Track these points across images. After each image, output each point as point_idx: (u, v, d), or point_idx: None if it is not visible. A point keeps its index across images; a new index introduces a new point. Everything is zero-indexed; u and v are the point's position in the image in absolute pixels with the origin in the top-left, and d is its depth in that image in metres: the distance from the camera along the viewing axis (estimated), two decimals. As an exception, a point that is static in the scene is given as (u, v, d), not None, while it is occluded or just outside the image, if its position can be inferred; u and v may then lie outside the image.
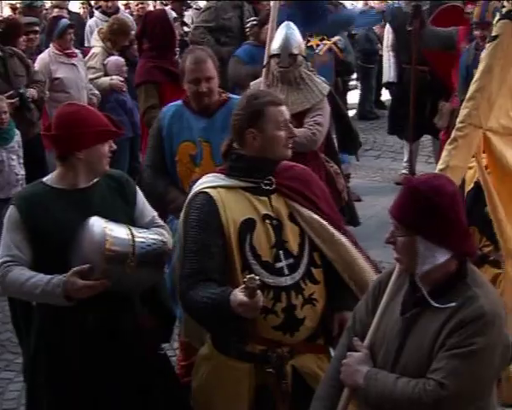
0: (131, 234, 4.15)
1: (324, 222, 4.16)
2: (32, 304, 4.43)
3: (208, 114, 5.43)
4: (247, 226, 4.06)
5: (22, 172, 7.97)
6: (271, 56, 6.82)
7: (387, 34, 10.64)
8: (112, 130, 4.43)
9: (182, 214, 4.30)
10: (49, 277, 4.07)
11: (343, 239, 4.19)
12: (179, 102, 5.65)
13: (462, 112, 4.33)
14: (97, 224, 4.09)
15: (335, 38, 9.19)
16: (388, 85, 10.77)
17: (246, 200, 4.11)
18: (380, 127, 12.16)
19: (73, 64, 9.24)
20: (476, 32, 8.08)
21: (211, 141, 5.36)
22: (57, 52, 9.15)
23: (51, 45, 9.26)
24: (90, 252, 4.05)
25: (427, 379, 3.26)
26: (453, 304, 3.31)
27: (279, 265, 4.05)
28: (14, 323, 4.90)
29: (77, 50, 9.63)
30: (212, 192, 4.12)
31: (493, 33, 4.41)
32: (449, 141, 4.34)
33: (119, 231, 4.11)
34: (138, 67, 7.94)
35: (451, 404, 3.26)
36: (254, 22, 9.18)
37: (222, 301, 3.83)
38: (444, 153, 4.30)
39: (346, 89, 10.64)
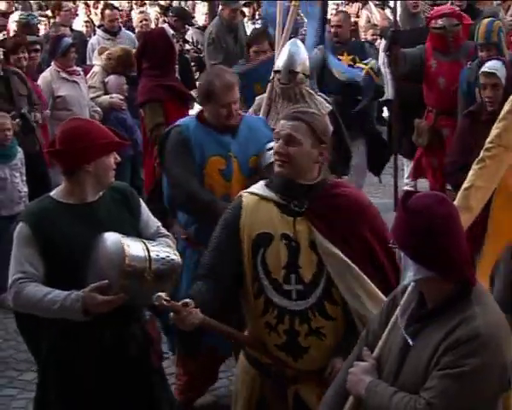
0: (147, 249, 4.19)
1: (347, 260, 4.06)
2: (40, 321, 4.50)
3: (232, 132, 5.51)
4: (263, 240, 4.07)
5: (25, 189, 8.11)
6: (275, 72, 6.87)
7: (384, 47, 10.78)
8: (116, 141, 4.47)
9: None
10: (66, 292, 4.10)
11: (366, 279, 4.05)
12: (192, 118, 5.74)
13: (493, 132, 4.42)
14: (114, 240, 4.14)
15: (372, 63, 9.13)
16: (387, 103, 10.81)
17: (271, 214, 4.12)
18: (381, 144, 12.31)
19: (75, 82, 9.32)
20: (482, 53, 7.91)
21: (238, 156, 5.47)
22: (59, 70, 9.22)
23: (53, 64, 9.34)
24: (108, 268, 4.10)
25: (419, 397, 3.27)
26: (450, 323, 3.30)
27: (287, 287, 4.05)
28: (25, 336, 4.86)
29: (79, 68, 9.71)
30: (245, 197, 4.21)
31: None
32: (476, 160, 4.40)
33: (135, 247, 4.14)
34: (141, 87, 8.04)
35: None
36: None
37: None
38: (470, 172, 4.37)
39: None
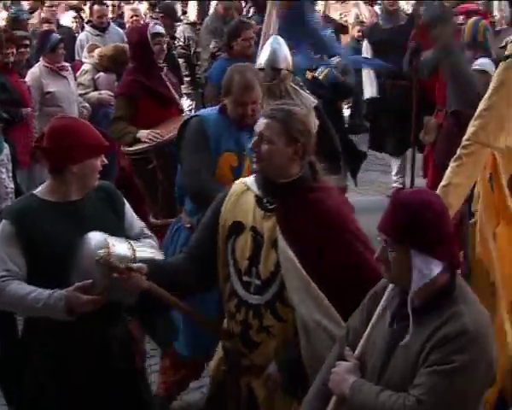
0: (132, 249, 4.22)
1: (299, 266, 4.02)
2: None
3: (250, 129, 5.44)
4: (236, 228, 4.15)
5: (11, 185, 7.95)
6: (259, 70, 6.88)
7: (366, 50, 10.87)
8: (105, 145, 4.49)
9: None
10: (50, 291, 4.12)
11: (314, 287, 3.99)
12: (214, 110, 5.76)
13: (469, 130, 4.42)
14: (99, 239, 4.15)
15: (336, 61, 9.37)
16: (370, 101, 10.99)
17: (249, 205, 4.19)
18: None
19: (65, 77, 9.36)
20: (468, 53, 8.20)
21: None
22: (48, 66, 9.25)
23: (41, 59, 9.37)
24: (92, 268, 4.09)
25: (408, 395, 3.31)
26: (437, 321, 3.35)
27: (247, 279, 4.12)
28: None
29: (67, 64, 9.73)
30: (236, 184, 4.32)
31: (506, 53, 4.47)
32: (454, 158, 4.40)
33: (120, 247, 4.17)
34: (121, 80, 8.13)
35: None
36: None
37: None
38: (448, 170, 4.38)
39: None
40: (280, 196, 4.14)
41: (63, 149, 4.29)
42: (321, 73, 9.24)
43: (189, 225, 5.72)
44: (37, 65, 9.40)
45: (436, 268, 3.37)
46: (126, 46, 10.06)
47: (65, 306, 4.08)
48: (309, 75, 9.36)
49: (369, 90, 10.73)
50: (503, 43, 4.70)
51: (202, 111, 6.05)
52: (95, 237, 4.17)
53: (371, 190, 10.58)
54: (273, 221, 4.12)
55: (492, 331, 3.51)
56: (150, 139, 6.85)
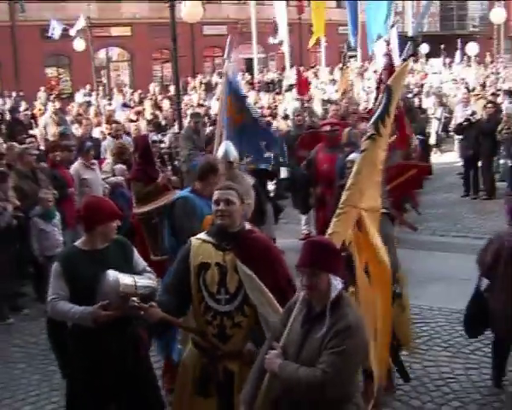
0: (134, 281, 4.54)
1: (256, 278, 4.36)
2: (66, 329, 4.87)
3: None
4: (204, 266, 4.41)
5: (61, 238, 8.87)
6: None
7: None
8: (118, 213, 4.85)
9: None
10: (82, 308, 4.48)
11: (267, 292, 4.37)
12: (187, 192, 5.98)
13: (343, 197, 4.74)
14: (113, 275, 4.46)
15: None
16: (284, 179, 11.82)
17: (209, 250, 4.44)
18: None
19: (93, 170, 10.09)
20: (346, 149, 8.90)
21: None
22: (83, 162, 10.03)
23: (79, 158, 10.15)
24: (109, 293, 4.44)
25: (316, 368, 3.58)
26: (332, 320, 3.66)
27: (219, 297, 4.37)
28: (51, 341, 5.38)
29: (95, 161, 10.51)
30: (193, 241, 4.54)
31: (362, 148, 4.89)
32: (335, 215, 4.70)
33: (126, 280, 4.48)
34: (131, 170, 8.78)
35: (331, 383, 3.55)
36: None
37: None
38: (331, 223, 4.66)
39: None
40: (233, 238, 4.44)
41: (91, 216, 4.70)
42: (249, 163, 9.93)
43: None
44: (76, 162, 10.17)
45: (340, 283, 3.73)
46: (122, 142, 11.19)
47: (91, 318, 4.43)
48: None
49: (284, 173, 11.79)
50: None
51: (181, 193, 6.08)
52: (110, 273, 4.48)
53: (289, 235, 11.12)
54: (231, 255, 4.38)
55: (365, 325, 3.82)
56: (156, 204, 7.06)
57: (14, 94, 26.22)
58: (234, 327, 4.35)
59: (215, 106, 19.08)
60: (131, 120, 16.00)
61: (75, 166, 10.03)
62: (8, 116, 18.48)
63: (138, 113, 17.85)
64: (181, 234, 5.65)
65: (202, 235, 4.54)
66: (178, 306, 4.45)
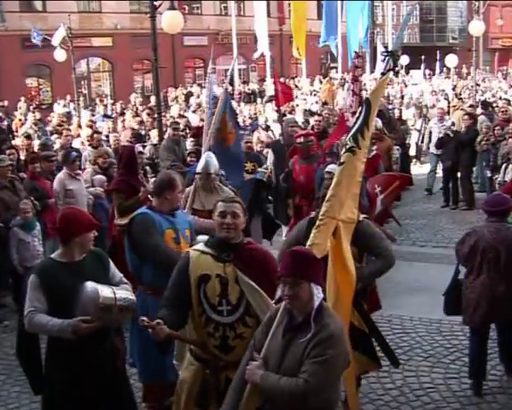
0: (114, 292, 4.53)
1: (258, 288, 4.38)
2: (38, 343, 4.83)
3: (172, 214, 5.87)
4: (204, 278, 4.38)
5: (41, 249, 8.84)
6: (197, 173, 7.59)
7: (271, 155, 11.68)
8: (94, 224, 4.88)
9: None
10: (61, 320, 4.43)
11: (269, 301, 4.37)
12: (145, 209, 5.91)
13: (323, 209, 4.81)
14: (91, 286, 4.44)
15: (265, 167, 10.72)
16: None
17: (208, 262, 4.42)
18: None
19: (78, 180, 9.98)
20: (328, 159, 9.01)
21: (180, 229, 5.82)
22: (69, 172, 9.90)
23: (64, 168, 10.01)
24: (88, 305, 4.43)
25: (298, 378, 3.58)
26: (313, 330, 3.69)
27: (220, 308, 4.35)
28: (20, 358, 5.10)
29: (80, 171, 10.39)
30: (191, 252, 4.52)
31: (341, 160, 4.95)
32: (315, 226, 4.78)
33: (106, 291, 4.47)
34: (113, 180, 8.82)
35: (314, 393, 3.56)
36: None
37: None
38: (311, 234, 4.73)
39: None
40: (234, 250, 4.46)
41: (67, 228, 4.69)
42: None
43: (150, 292, 5.72)
44: (61, 172, 10.00)
45: (321, 293, 3.76)
46: (105, 149, 11.21)
47: (71, 330, 4.42)
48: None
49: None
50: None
51: (139, 211, 5.97)
52: (89, 285, 4.47)
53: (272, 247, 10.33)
54: (232, 267, 4.39)
55: (346, 333, 3.93)
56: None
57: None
58: (236, 338, 4.36)
59: (193, 118, 19.13)
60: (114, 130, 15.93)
61: (60, 177, 9.95)
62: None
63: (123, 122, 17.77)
64: (142, 251, 5.67)
65: (200, 246, 4.56)
66: (178, 319, 4.43)
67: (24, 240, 8.73)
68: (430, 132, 15.64)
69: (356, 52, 13.46)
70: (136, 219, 5.79)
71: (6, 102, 26.29)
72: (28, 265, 8.53)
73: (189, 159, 9.15)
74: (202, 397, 4.43)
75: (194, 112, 21.14)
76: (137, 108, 23.12)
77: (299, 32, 30.64)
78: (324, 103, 18.68)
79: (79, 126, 17.57)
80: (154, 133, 14.69)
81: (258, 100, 27.08)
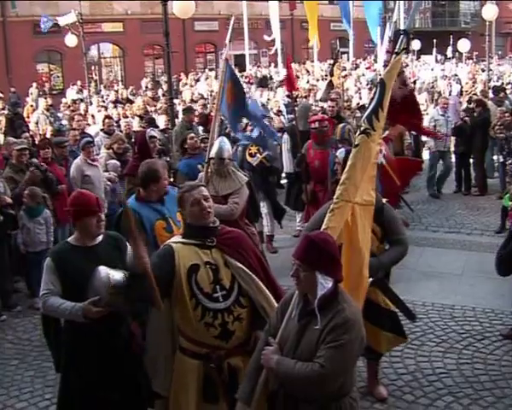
0: (125, 276, 4.44)
1: (246, 269, 4.40)
2: (60, 325, 4.84)
3: (161, 201, 5.80)
4: (194, 269, 4.31)
5: (45, 239, 8.87)
6: (210, 158, 7.54)
7: (285, 140, 11.62)
8: (91, 209, 4.71)
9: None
10: (73, 303, 4.47)
11: (257, 280, 4.41)
12: (133, 199, 5.82)
13: (337, 192, 4.71)
14: (104, 271, 4.41)
15: (265, 153, 10.38)
16: (287, 174, 11.50)
17: (194, 251, 4.36)
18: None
19: (95, 166, 9.99)
20: (340, 145, 8.85)
21: (171, 215, 5.70)
22: (85, 158, 9.93)
23: (81, 155, 10.03)
24: (99, 288, 4.40)
25: (314, 363, 3.58)
26: (329, 315, 3.66)
27: (215, 295, 4.30)
28: (46, 337, 5.10)
29: (97, 157, 10.37)
30: (174, 245, 4.42)
31: (356, 142, 4.81)
32: (329, 210, 4.65)
33: (117, 276, 4.40)
34: (128, 165, 8.83)
35: (329, 378, 3.57)
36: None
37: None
38: (326, 218, 4.62)
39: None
40: (215, 235, 4.47)
41: (72, 210, 4.74)
42: (255, 160, 10.40)
43: None
44: (78, 158, 10.06)
45: (330, 283, 3.69)
46: (120, 135, 11.14)
47: (82, 313, 4.43)
48: (250, 159, 10.34)
49: (287, 167, 11.47)
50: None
51: (128, 201, 5.67)
52: (101, 269, 4.41)
53: (282, 232, 11.14)
54: (217, 251, 4.39)
55: (362, 318, 3.79)
56: None
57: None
58: (235, 321, 4.33)
59: (202, 86, 18.90)
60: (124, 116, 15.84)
61: (77, 163, 10.00)
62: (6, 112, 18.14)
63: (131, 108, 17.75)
64: None
65: (177, 238, 4.50)
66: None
67: (25, 225, 8.84)
68: (434, 127, 14.22)
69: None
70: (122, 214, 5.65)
71: (13, 89, 26.19)
72: (30, 249, 8.76)
73: (202, 145, 9.11)
74: (210, 392, 4.38)
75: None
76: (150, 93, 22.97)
77: (312, 19, 30.57)
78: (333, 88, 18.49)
79: (87, 113, 17.58)
80: (162, 119, 14.64)
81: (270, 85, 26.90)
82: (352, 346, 3.61)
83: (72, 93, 25.57)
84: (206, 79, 22.22)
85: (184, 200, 4.47)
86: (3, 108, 18.60)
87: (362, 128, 4.82)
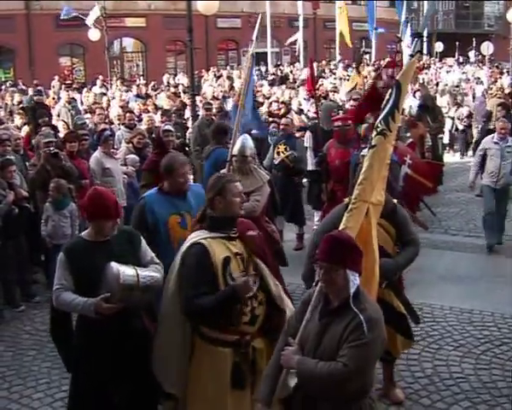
0: (137, 273, 4.52)
1: (260, 261, 4.60)
2: (71, 320, 4.87)
3: (183, 195, 5.74)
4: (227, 261, 4.42)
5: (69, 232, 8.79)
6: (233, 156, 7.54)
7: (308, 138, 11.46)
8: (105, 213, 4.72)
9: (178, 260, 4.58)
10: (85, 299, 4.48)
11: (267, 270, 4.63)
12: (154, 191, 5.83)
13: (355, 192, 4.77)
14: (115, 267, 4.45)
15: (288, 153, 10.40)
16: (308, 172, 11.18)
17: (223, 244, 4.47)
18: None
19: (115, 159, 10.13)
20: (362, 145, 8.16)
21: (190, 211, 5.60)
22: (104, 151, 10.04)
23: (99, 148, 10.11)
24: (111, 284, 4.45)
25: (337, 362, 3.55)
26: (351, 313, 3.65)
27: None
28: (54, 336, 5.10)
29: (115, 150, 10.47)
30: (205, 242, 4.46)
31: (372, 143, 4.89)
32: (347, 210, 4.74)
33: (128, 272, 4.47)
34: (147, 160, 8.81)
35: (352, 377, 3.54)
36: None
37: (227, 292, 4.33)
38: (344, 218, 4.70)
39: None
40: (235, 226, 4.62)
41: (90, 208, 4.76)
42: (278, 159, 10.45)
43: None
44: (97, 151, 10.11)
45: (358, 278, 3.72)
46: (140, 130, 11.28)
47: (94, 309, 4.45)
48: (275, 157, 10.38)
49: (310, 164, 11.09)
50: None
51: (148, 193, 5.92)
52: (112, 266, 4.46)
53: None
54: (240, 243, 4.55)
55: (383, 317, 3.75)
56: None
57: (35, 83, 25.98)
58: (260, 305, 4.48)
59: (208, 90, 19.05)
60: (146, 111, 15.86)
61: (96, 156, 10.04)
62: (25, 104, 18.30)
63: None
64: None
65: (202, 233, 4.57)
66: None
67: (50, 216, 8.85)
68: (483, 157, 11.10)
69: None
70: (135, 208, 5.86)
71: (35, 82, 26.35)
72: (54, 242, 8.71)
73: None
74: (238, 379, 4.48)
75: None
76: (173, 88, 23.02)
77: (342, 20, 30.65)
78: (354, 87, 18.40)
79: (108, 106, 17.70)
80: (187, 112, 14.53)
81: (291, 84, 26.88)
82: (374, 345, 3.60)
83: (95, 88, 25.64)
84: (226, 76, 22.19)
85: (227, 190, 4.56)
86: (21, 102, 18.59)
87: (378, 129, 4.89)
